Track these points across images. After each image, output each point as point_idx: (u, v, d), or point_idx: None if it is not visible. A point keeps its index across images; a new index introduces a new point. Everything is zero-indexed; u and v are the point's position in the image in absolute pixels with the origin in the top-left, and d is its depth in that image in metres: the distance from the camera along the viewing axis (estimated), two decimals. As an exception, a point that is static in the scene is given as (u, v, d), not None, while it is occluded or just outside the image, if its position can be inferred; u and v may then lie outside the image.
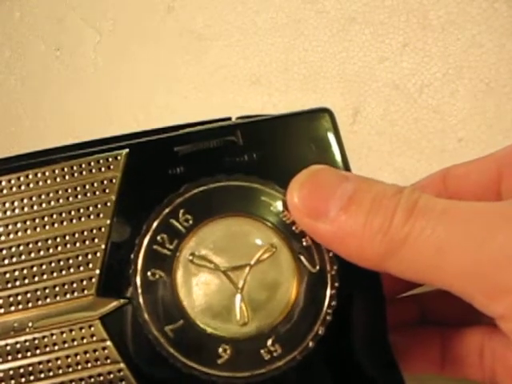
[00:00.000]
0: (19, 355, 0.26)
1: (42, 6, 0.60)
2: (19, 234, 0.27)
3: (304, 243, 0.27)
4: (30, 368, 0.26)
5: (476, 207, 0.24)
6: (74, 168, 0.28)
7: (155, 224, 0.27)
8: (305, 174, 0.27)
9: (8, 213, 0.27)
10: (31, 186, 0.28)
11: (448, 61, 0.48)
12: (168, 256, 0.27)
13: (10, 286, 0.27)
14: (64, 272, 0.27)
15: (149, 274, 0.27)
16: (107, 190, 0.28)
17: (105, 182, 0.28)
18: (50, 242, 0.27)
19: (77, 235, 0.27)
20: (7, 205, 0.28)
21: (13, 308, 0.26)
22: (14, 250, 0.27)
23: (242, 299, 0.26)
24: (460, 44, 0.48)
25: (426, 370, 0.34)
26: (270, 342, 0.26)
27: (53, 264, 0.27)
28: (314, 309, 0.27)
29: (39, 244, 0.27)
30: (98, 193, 0.28)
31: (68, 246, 0.27)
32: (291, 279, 0.27)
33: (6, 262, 0.27)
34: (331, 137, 0.30)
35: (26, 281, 0.27)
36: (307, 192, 0.27)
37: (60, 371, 0.26)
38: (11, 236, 0.27)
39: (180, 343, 0.26)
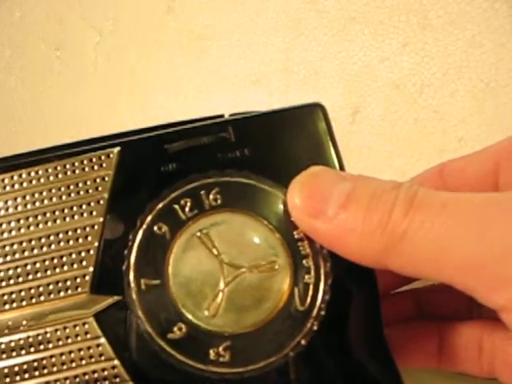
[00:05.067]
0: (13, 353, 0.26)
1: (41, 6, 0.60)
2: (13, 232, 0.27)
3: (306, 279, 0.27)
4: (25, 366, 0.26)
5: (475, 199, 0.24)
6: (67, 166, 0.28)
7: (187, 187, 0.28)
8: (305, 175, 0.27)
9: (1, 212, 0.28)
10: (25, 184, 0.28)
11: (448, 61, 0.48)
12: (181, 220, 0.27)
13: (3, 284, 0.27)
14: (58, 270, 0.27)
15: (156, 226, 0.27)
16: (100, 188, 0.28)
17: (97, 180, 0.28)
18: (43, 240, 0.27)
19: (70, 233, 0.27)
20: (1, 204, 0.28)
21: (7, 306, 0.27)
22: (7, 248, 0.27)
23: (222, 293, 0.26)
24: (460, 44, 0.48)
25: (423, 363, 0.34)
26: (223, 346, 0.26)
27: (46, 262, 0.27)
28: (280, 342, 0.26)
29: (33, 242, 0.27)
30: (90, 191, 0.28)
31: (61, 244, 0.27)
32: (275, 303, 0.27)
33: (0, 260, 0.27)
34: (324, 131, 0.30)
35: (20, 279, 0.27)
36: (307, 192, 0.27)
37: (54, 369, 0.26)
38: (5, 235, 0.27)
39: (145, 299, 0.26)
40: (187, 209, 0.27)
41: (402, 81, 0.49)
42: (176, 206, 0.27)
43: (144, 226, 0.27)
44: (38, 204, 0.28)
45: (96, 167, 0.28)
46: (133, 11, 0.57)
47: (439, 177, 0.34)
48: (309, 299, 0.27)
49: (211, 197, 0.28)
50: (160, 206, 0.27)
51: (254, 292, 0.27)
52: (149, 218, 0.27)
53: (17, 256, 0.27)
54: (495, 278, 0.23)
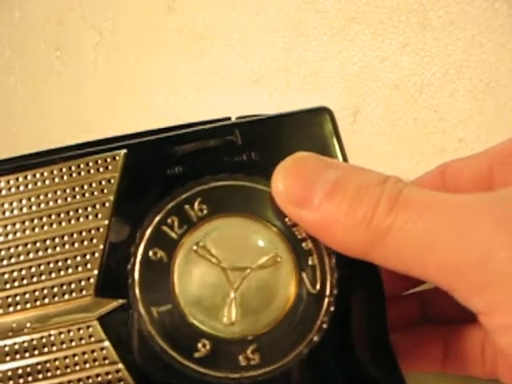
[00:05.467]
0: (17, 356, 0.26)
1: (41, 6, 0.60)
2: (18, 234, 0.27)
3: (310, 262, 0.27)
4: (29, 369, 0.26)
5: (458, 200, 0.24)
6: (73, 168, 0.28)
7: (169, 206, 0.27)
8: (289, 160, 0.27)
9: (7, 214, 0.28)
10: (30, 186, 0.28)
11: (448, 61, 0.48)
12: (174, 239, 0.27)
13: (8, 286, 0.27)
14: (62, 273, 0.27)
15: (151, 252, 0.27)
16: (105, 191, 0.28)
17: (103, 182, 0.28)
18: (48, 242, 0.27)
19: (75, 236, 0.27)
20: (6, 206, 0.28)
21: (11, 309, 0.27)
22: (12, 250, 0.27)
23: (235, 300, 0.26)
24: (460, 44, 0.48)
25: (428, 368, 0.34)
26: (250, 349, 0.26)
27: (51, 265, 0.27)
28: (303, 329, 0.26)
29: (37, 245, 0.27)
30: (96, 193, 0.28)
31: (66, 246, 0.27)
32: (287, 294, 0.27)
33: (5, 262, 0.27)
34: (331, 135, 0.30)
35: (25, 281, 0.27)
36: (292, 179, 0.26)
37: (58, 372, 0.26)
38: (10, 237, 0.27)
39: (162, 326, 0.26)
40: (176, 227, 0.27)
41: (402, 81, 0.49)
42: (165, 228, 0.27)
43: (139, 256, 0.27)
44: (43, 206, 0.28)
45: (102, 169, 0.28)
46: (133, 11, 0.57)
47: (441, 177, 0.34)
48: (319, 280, 0.27)
49: (196, 208, 0.27)
50: (149, 231, 0.27)
51: (265, 289, 0.27)
52: (142, 247, 0.27)
53: (21, 258, 0.27)
54: (475, 281, 0.23)
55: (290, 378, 0.26)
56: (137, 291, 0.26)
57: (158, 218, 0.27)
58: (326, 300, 0.27)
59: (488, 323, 0.24)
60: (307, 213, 0.26)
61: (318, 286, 0.27)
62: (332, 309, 0.27)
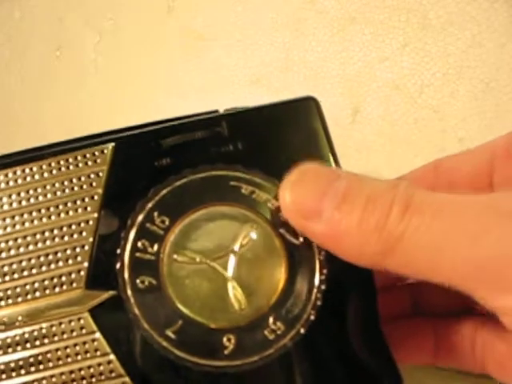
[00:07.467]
0: (9, 349, 0.26)
1: (42, 6, 0.60)
2: (8, 229, 0.27)
3: (281, 218, 0.27)
4: (21, 362, 0.26)
5: (469, 201, 0.24)
6: (61, 163, 0.28)
7: (133, 232, 0.27)
8: (296, 172, 0.27)
9: (-3, 209, 0.28)
10: (19, 181, 0.28)
11: (448, 61, 0.47)
12: (152, 261, 0.27)
13: (-1, 280, 0.27)
14: (52, 266, 0.27)
15: (138, 282, 0.26)
16: (94, 184, 0.28)
17: (91, 175, 0.28)
18: (38, 236, 0.27)
19: (65, 229, 0.27)
20: (-4, 201, 0.28)
21: (2, 302, 0.27)
22: (2, 245, 0.27)
23: (234, 286, 0.26)
24: (460, 44, 0.47)
25: (419, 360, 0.34)
26: (271, 320, 0.26)
27: (41, 258, 0.27)
28: (308, 279, 0.27)
29: (28, 238, 0.27)
30: (85, 187, 0.28)
31: (56, 239, 0.27)
32: (278, 256, 0.27)
33: None
34: (317, 125, 0.30)
35: (15, 275, 0.27)
36: (299, 192, 0.26)
37: (50, 364, 0.26)
38: (0, 232, 0.27)
39: (184, 343, 0.26)
40: (149, 248, 0.27)
41: (402, 81, 0.48)
42: (139, 254, 0.27)
43: (129, 290, 0.26)
44: (32, 201, 0.28)
45: (90, 163, 0.28)
46: (133, 11, 0.58)
47: (434, 173, 0.34)
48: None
49: (157, 222, 0.27)
50: (126, 263, 0.27)
51: (256, 262, 0.27)
52: (126, 279, 0.27)
53: (12, 252, 0.27)
54: (497, 282, 0.23)
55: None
56: (145, 325, 0.26)
57: (128, 249, 0.27)
58: (314, 247, 0.27)
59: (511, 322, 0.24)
60: (318, 225, 0.25)
61: (300, 237, 0.27)
62: (324, 252, 0.27)
